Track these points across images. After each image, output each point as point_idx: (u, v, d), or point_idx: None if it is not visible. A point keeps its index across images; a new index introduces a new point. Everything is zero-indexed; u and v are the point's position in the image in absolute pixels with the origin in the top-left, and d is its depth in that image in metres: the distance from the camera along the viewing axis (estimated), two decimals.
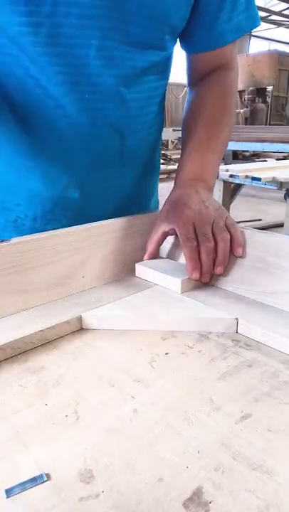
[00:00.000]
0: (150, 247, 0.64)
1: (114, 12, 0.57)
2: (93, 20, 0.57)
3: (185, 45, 0.73)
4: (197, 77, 0.76)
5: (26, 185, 0.69)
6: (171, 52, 0.70)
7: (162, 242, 0.64)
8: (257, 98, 10.62)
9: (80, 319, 0.52)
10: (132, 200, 0.77)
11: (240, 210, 4.28)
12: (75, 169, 0.69)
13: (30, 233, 0.56)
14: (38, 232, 0.56)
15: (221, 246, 0.57)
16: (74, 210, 0.70)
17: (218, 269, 0.58)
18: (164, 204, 0.65)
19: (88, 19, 0.57)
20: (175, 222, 0.59)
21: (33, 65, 0.59)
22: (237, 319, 0.51)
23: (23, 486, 0.30)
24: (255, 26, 0.72)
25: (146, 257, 0.65)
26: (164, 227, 0.62)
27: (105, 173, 0.71)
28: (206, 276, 0.58)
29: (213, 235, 0.57)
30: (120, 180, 0.74)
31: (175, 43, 0.69)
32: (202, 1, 0.64)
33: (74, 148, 0.67)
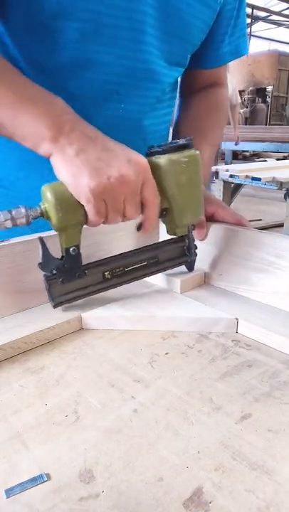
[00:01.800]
0: None
1: (160, 32, 0.62)
2: (142, 35, 0.61)
3: (191, 62, 0.76)
4: (191, 90, 0.82)
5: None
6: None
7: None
8: (257, 98, 10.61)
9: (80, 319, 0.52)
10: None
11: (240, 210, 4.27)
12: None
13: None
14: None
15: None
16: None
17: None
18: None
19: (137, 33, 0.60)
20: None
21: (75, 72, 0.61)
22: (237, 319, 0.51)
23: (23, 486, 0.30)
24: (246, 53, 0.81)
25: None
26: None
27: None
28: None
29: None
30: None
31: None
32: (214, 25, 0.71)
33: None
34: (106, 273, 0.55)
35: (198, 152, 0.55)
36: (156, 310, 0.53)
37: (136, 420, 0.37)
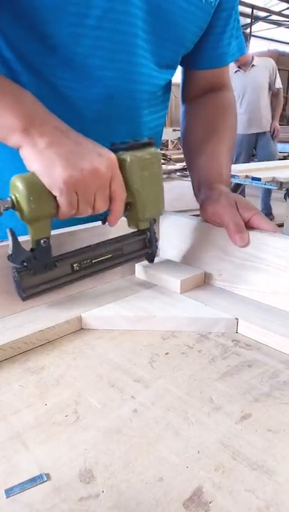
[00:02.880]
0: None
1: (151, 35, 0.62)
2: (133, 38, 0.60)
3: (189, 62, 0.76)
4: (193, 94, 0.81)
5: None
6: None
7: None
8: None
9: (80, 319, 0.52)
10: None
11: None
12: None
13: None
14: None
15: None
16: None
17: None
18: (202, 205, 0.66)
19: (128, 36, 0.60)
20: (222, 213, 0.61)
21: (70, 73, 0.61)
22: (237, 319, 0.51)
23: (23, 486, 0.30)
24: (244, 53, 0.82)
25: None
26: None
27: None
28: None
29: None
30: None
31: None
32: (210, 24, 0.70)
33: None
34: (75, 265, 0.55)
35: (159, 151, 0.58)
36: (156, 310, 0.53)
37: (136, 420, 0.37)
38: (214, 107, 0.78)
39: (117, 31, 0.59)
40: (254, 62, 3.85)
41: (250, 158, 4.21)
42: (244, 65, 3.84)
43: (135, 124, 0.70)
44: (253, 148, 4.17)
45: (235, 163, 3.53)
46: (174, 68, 0.72)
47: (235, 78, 3.86)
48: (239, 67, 3.85)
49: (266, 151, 4.05)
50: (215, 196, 0.63)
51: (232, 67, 3.89)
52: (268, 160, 3.80)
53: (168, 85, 0.75)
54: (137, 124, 0.70)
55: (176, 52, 0.69)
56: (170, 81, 0.75)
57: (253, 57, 3.88)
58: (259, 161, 4.00)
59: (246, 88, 3.90)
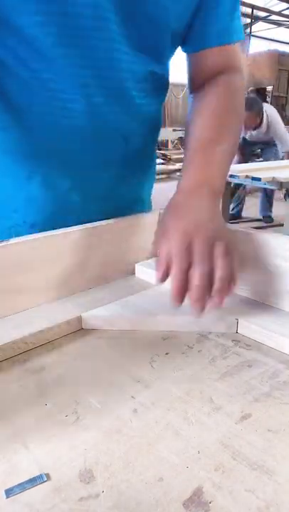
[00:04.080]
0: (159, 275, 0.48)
1: (121, 16, 0.57)
2: (104, 22, 0.57)
3: (188, 44, 0.70)
4: (200, 80, 0.72)
5: (25, 190, 0.67)
6: (168, 65, 0.71)
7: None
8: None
9: (80, 319, 0.52)
10: (132, 203, 0.77)
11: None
12: (78, 172, 0.68)
13: None
14: None
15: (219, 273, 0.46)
16: (74, 214, 0.68)
17: (217, 300, 0.46)
18: (164, 212, 0.56)
19: (99, 20, 0.57)
20: (170, 239, 0.48)
21: (45, 66, 0.58)
22: (237, 319, 0.51)
23: (23, 486, 0.30)
24: (243, 37, 0.73)
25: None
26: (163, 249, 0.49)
27: (108, 175, 0.71)
28: (199, 303, 0.45)
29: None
30: (122, 183, 0.74)
31: (174, 51, 0.70)
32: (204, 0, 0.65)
33: (77, 151, 0.66)
34: None
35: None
36: (156, 310, 0.53)
37: (136, 420, 0.37)
38: (217, 92, 0.69)
39: (83, 16, 0.55)
40: (261, 129, 3.75)
41: (252, 159, 4.20)
42: (253, 128, 3.74)
43: (124, 106, 0.66)
44: (258, 150, 4.16)
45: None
46: (162, 53, 0.66)
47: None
48: (246, 129, 3.74)
49: (271, 154, 4.02)
50: (175, 206, 0.53)
51: None
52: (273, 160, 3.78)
53: (159, 73, 0.68)
54: (126, 106, 0.66)
55: (159, 34, 0.63)
56: (162, 69, 0.69)
57: (261, 123, 3.74)
58: (264, 161, 3.98)
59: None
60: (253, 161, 4.22)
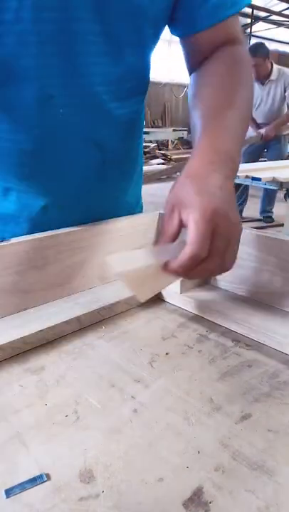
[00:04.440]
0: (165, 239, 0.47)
1: (89, 3, 0.53)
2: (76, 24, 0.53)
3: (178, 28, 0.64)
4: (197, 61, 0.66)
5: (1, 206, 0.64)
6: (148, 60, 0.65)
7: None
8: None
9: (80, 319, 0.52)
10: (117, 211, 0.70)
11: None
12: (53, 189, 0.64)
13: None
14: None
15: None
16: (53, 228, 0.61)
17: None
18: (180, 177, 0.48)
19: (69, 23, 0.53)
20: (195, 213, 0.43)
21: (13, 73, 0.54)
22: None
23: (23, 486, 0.30)
24: (249, 2, 0.66)
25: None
26: (179, 215, 0.45)
27: (86, 189, 0.66)
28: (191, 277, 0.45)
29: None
30: (102, 193, 0.69)
31: (156, 40, 0.64)
32: None
33: (50, 166, 0.62)
34: None
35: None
36: None
37: (136, 420, 0.37)
38: (221, 65, 0.62)
39: (49, 20, 0.51)
40: (272, 77, 3.68)
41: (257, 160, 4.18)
42: (263, 77, 3.67)
43: (93, 112, 0.61)
44: (262, 150, 4.13)
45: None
46: (143, 47, 0.61)
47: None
48: (257, 78, 3.67)
49: (276, 152, 3.99)
50: (183, 178, 0.47)
51: None
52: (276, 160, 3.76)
53: (137, 70, 0.64)
54: (96, 112, 0.61)
55: (138, 28, 0.58)
56: (141, 63, 0.64)
57: (271, 69, 3.67)
58: (268, 160, 3.96)
59: (261, 100, 3.80)
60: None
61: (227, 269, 0.45)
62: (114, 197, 0.72)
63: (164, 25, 0.64)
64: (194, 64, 0.67)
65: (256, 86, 3.74)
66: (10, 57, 0.53)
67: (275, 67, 3.72)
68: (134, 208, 0.78)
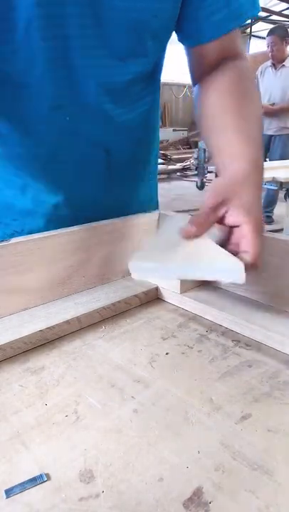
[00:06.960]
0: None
1: (90, 20, 0.54)
2: (73, 30, 0.54)
3: (184, 37, 0.66)
4: (202, 72, 0.68)
5: (20, 203, 0.69)
6: (159, 59, 0.67)
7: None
8: None
9: (80, 319, 0.52)
10: (128, 208, 0.73)
11: None
12: (63, 188, 0.68)
13: None
14: None
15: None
16: (65, 225, 0.64)
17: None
18: (237, 173, 0.51)
19: (61, 40, 0.54)
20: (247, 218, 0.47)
21: (29, 81, 0.57)
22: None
23: (23, 486, 0.30)
24: (256, 13, 0.66)
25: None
26: (226, 211, 0.48)
27: (94, 188, 0.70)
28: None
29: None
30: (111, 192, 0.73)
31: (162, 48, 0.66)
32: None
33: (60, 168, 0.67)
34: None
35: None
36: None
37: (136, 420, 0.37)
38: (227, 79, 0.63)
39: (56, 37, 0.54)
40: (286, 63, 3.68)
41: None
42: (277, 60, 3.68)
43: (100, 120, 0.64)
44: (266, 151, 4.12)
45: None
46: (147, 56, 0.62)
47: (266, 75, 3.76)
48: (273, 63, 3.71)
49: (280, 151, 3.97)
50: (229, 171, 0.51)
51: (265, 64, 3.80)
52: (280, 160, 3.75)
53: (146, 74, 0.66)
54: (102, 120, 0.64)
55: (140, 41, 0.59)
56: (150, 68, 0.66)
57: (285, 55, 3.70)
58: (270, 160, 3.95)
59: (273, 88, 3.80)
60: None
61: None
62: (125, 196, 0.75)
63: (170, 35, 0.66)
64: (198, 75, 0.69)
65: (269, 70, 3.77)
66: (22, 73, 0.56)
67: None
68: (146, 205, 0.80)
